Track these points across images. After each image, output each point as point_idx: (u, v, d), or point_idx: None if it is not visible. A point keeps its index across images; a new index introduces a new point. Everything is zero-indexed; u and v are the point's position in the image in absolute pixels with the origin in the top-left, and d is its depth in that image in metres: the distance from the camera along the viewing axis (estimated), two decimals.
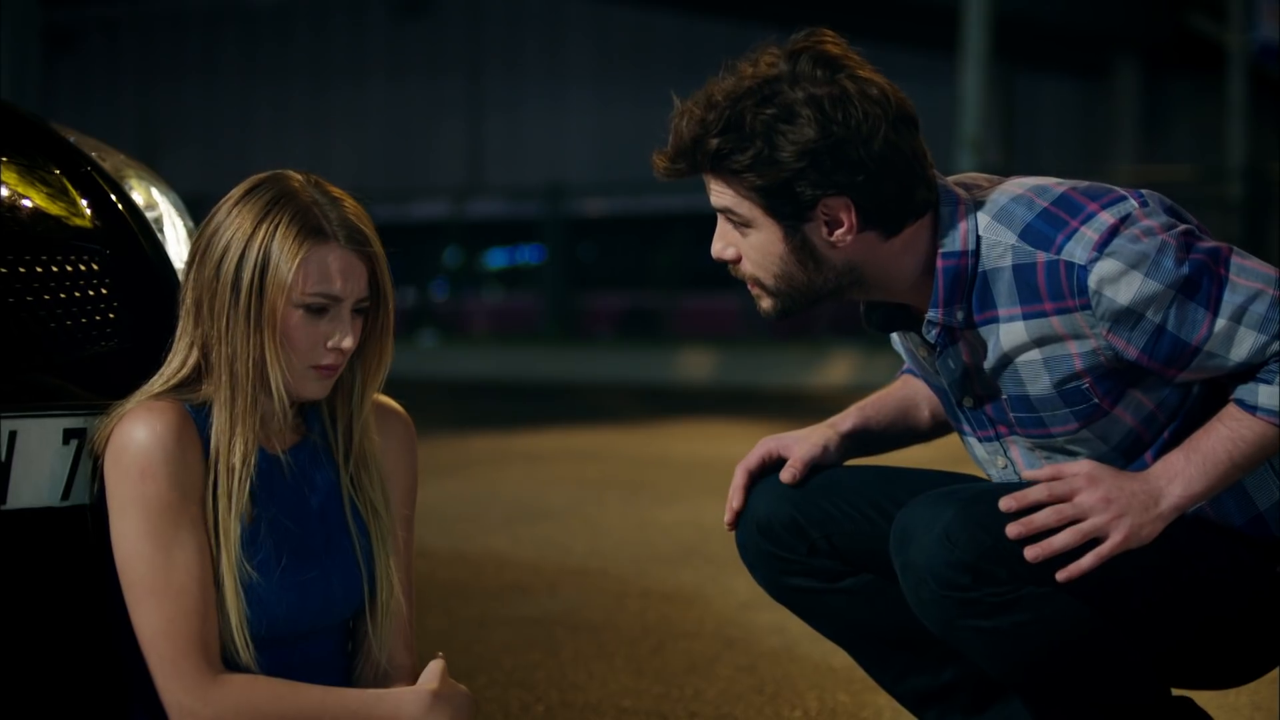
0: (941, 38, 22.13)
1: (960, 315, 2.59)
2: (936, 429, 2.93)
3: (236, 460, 2.45)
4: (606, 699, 3.98)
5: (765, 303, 2.62)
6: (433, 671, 2.50)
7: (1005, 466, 2.71)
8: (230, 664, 2.44)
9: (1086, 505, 2.50)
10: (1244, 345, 2.49)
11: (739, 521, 2.83)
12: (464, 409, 14.12)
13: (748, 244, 2.58)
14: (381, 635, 2.57)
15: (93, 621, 2.50)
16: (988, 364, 2.61)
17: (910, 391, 2.94)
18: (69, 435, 2.49)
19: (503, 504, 7.68)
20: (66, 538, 2.49)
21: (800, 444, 2.82)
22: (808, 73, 2.51)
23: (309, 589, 2.50)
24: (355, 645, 2.59)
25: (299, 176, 2.51)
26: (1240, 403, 2.52)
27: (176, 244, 2.89)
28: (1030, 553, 2.47)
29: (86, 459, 2.50)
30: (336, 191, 2.51)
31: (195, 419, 2.46)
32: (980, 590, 2.49)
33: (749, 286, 2.62)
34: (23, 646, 2.50)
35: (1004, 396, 2.63)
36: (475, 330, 27.80)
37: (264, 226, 2.44)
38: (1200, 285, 2.49)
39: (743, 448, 2.93)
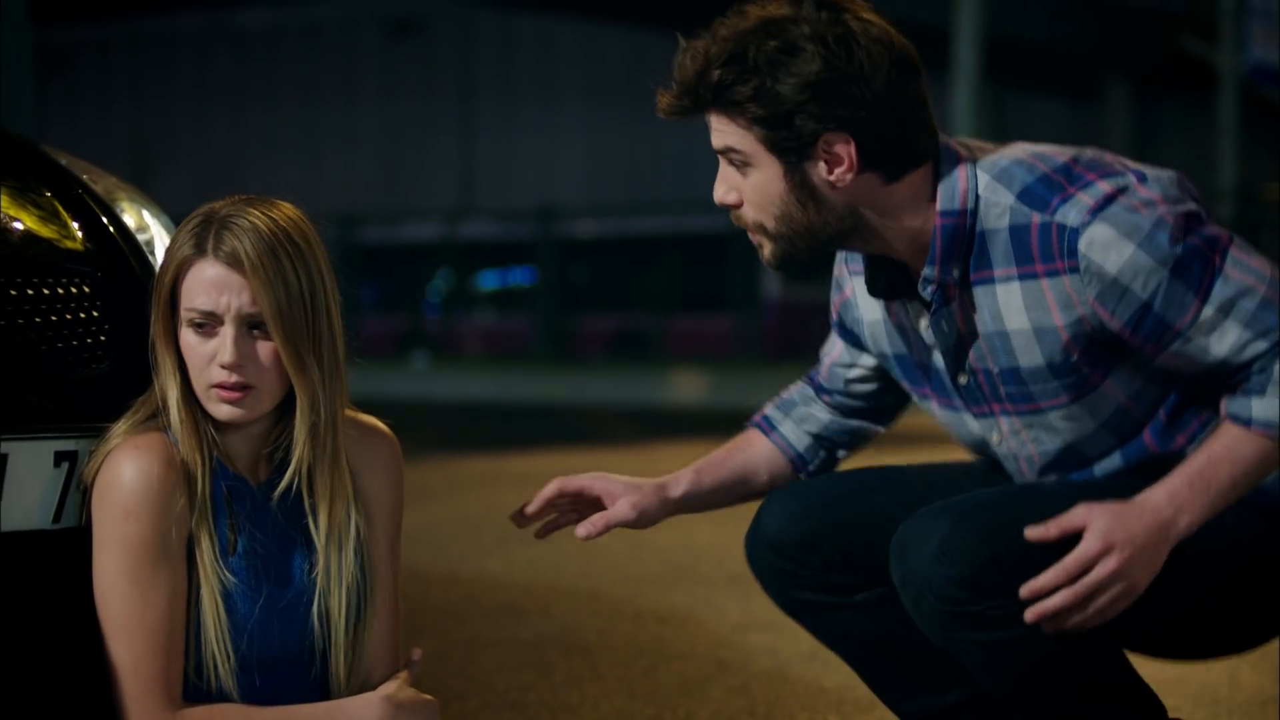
0: (933, 58, 22.15)
1: (956, 273, 2.59)
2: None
3: (198, 471, 2.45)
4: None
5: (767, 249, 2.62)
6: (393, 681, 2.52)
7: (1000, 441, 2.71)
8: (211, 685, 2.45)
9: (1100, 581, 2.46)
10: (1227, 339, 2.48)
11: (749, 537, 2.82)
12: (456, 430, 14.11)
13: (748, 185, 2.58)
14: (361, 661, 2.55)
15: (84, 644, 2.49)
16: (981, 329, 2.61)
17: (752, 455, 2.94)
18: (60, 458, 2.48)
19: (495, 525, 7.67)
20: (58, 560, 2.48)
21: (620, 502, 2.79)
22: (812, 12, 2.53)
23: (290, 616, 2.50)
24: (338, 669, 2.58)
25: (234, 197, 2.49)
26: (1235, 418, 2.51)
27: None
28: (1047, 627, 2.47)
29: (78, 482, 2.49)
30: (257, 209, 2.45)
31: (177, 447, 2.46)
32: (980, 604, 2.48)
33: (750, 235, 2.63)
34: (14, 669, 2.49)
35: (995, 370, 2.63)
36: (467, 352, 27.84)
37: (170, 247, 2.47)
38: (1192, 269, 2.48)
39: None
